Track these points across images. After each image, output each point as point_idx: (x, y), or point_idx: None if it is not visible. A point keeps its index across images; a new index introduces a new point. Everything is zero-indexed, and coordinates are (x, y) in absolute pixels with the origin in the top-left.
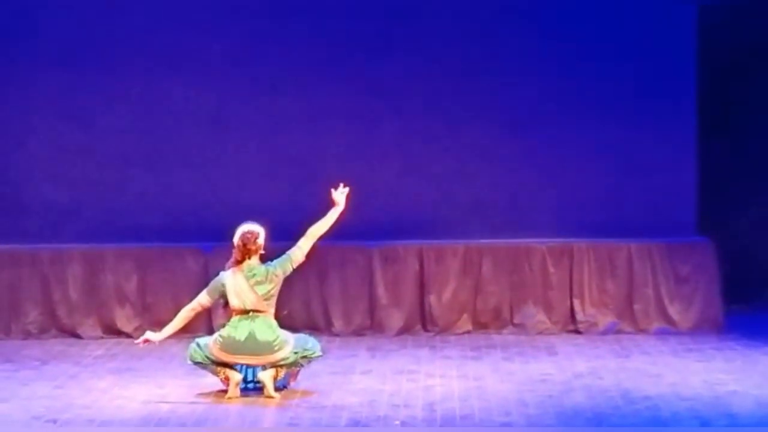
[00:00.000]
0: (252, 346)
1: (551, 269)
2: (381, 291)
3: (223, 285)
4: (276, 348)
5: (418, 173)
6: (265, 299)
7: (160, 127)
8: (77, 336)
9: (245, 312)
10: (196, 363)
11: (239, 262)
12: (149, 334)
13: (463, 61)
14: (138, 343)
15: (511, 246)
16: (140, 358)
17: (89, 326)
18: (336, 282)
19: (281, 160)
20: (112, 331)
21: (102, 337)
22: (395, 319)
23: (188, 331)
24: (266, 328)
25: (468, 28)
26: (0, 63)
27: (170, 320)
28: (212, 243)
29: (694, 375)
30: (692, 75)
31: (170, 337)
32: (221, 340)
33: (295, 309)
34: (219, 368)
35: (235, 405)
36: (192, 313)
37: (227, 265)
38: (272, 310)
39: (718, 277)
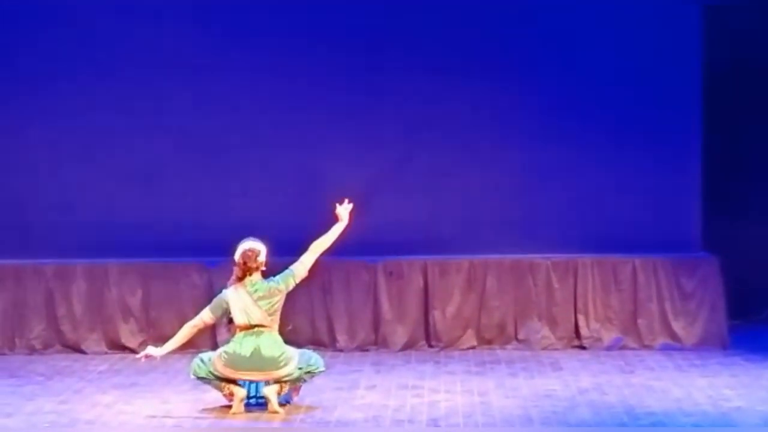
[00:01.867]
0: (257, 361)
1: (556, 285)
2: (385, 306)
3: (227, 302)
4: (281, 364)
5: (422, 189)
6: (269, 314)
7: (165, 143)
8: (81, 351)
9: (250, 327)
10: (200, 378)
11: (240, 279)
12: (151, 349)
13: (466, 75)
14: (139, 358)
15: (516, 261)
16: (144, 373)
17: (93, 341)
18: (340, 297)
19: (285, 176)
20: (117, 346)
21: (106, 352)
22: (399, 334)
23: (192, 346)
24: (271, 343)
25: (470, 41)
26: (2, 77)
27: (174, 335)
28: (216, 258)
29: (698, 391)
30: (698, 88)
31: (172, 352)
32: (226, 356)
33: (300, 324)
34: (223, 384)
35: (240, 420)
36: (194, 330)
37: (229, 282)
38: (276, 326)
39: (722, 292)
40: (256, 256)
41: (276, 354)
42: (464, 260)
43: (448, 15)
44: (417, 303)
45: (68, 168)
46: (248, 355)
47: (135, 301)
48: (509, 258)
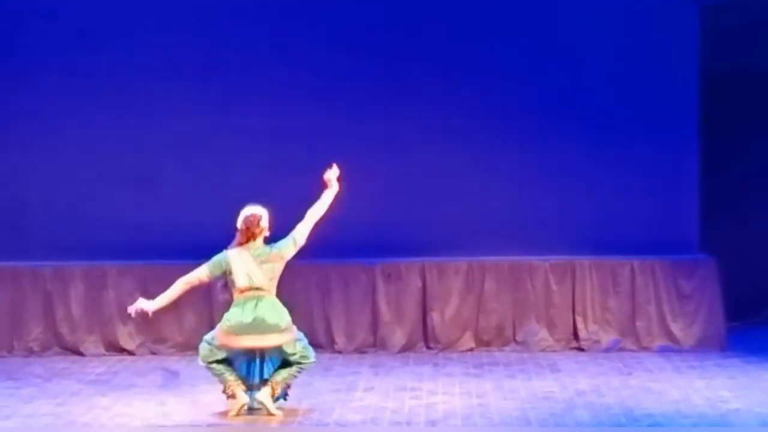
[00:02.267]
0: (259, 326)
1: (554, 287)
2: (384, 308)
3: (228, 263)
4: (283, 327)
5: (420, 191)
6: (270, 278)
7: (163, 146)
8: (79, 353)
9: (251, 290)
10: (209, 366)
11: (243, 244)
12: (142, 302)
13: (464, 78)
14: (130, 313)
15: (514, 263)
16: (142, 376)
17: (91, 343)
18: (339, 299)
19: (282, 179)
20: (115, 348)
21: (104, 355)
22: (398, 336)
23: (190, 348)
24: (271, 308)
25: (469, 44)
26: (0, 78)
27: (172, 337)
28: None
29: (696, 392)
30: (695, 89)
31: (162, 308)
32: (228, 322)
33: (298, 326)
34: (229, 381)
35: (238, 422)
36: (187, 287)
37: (230, 247)
38: (274, 291)
39: (720, 294)
40: (258, 221)
41: (277, 319)
42: (462, 262)
43: (446, 17)
44: (415, 305)
45: (66, 170)
46: (250, 320)
47: (133, 303)
48: (507, 260)
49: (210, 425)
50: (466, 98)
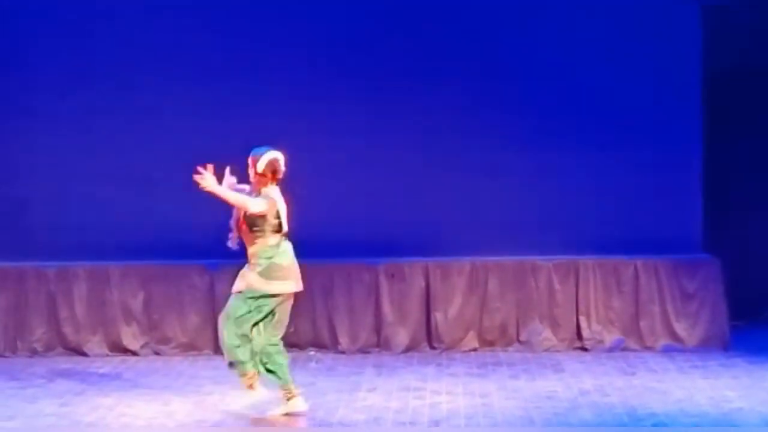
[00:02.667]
0: (297, 269)
1: (557, 286)
2: (387, 308)
3: (276, 207)
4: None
5: (424, 191)
6: None
7: (166, 146)
8: (83, 353)
9: (285, 234)
10: (236, 349)
11: (265, 188)
12: (213, 181)
13: (466, 78)
14: (195, 176)
15: (517, 263)
16: (146, 376)
17: (95, 343)
18: (342, 299)
19: (286, 179)
20: (118, 348)
21: (108, 355)
22: (401, 336)
23: (194, 348)
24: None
25: (472, 44)
26: (3, 80)
27: (176, 338)
28: (217, 260)
29: (700, 392)
30: (698, 88)
31: (217, 195)
32: (278, 266)
33: (301, 326)
34: (249, 373)
35: (242, 422)
36: (241, 200)
37: (252, 191)
38: None
39: (724, 294)
40: (282, 164)
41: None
42: (466, 262)
43: (447, 18)
44: (418, 305)
45: (69, 171)
46: (295, 263)
47: (136, 303)
48: (511, 260)
49: (214, 425)
50: (470, 99)
